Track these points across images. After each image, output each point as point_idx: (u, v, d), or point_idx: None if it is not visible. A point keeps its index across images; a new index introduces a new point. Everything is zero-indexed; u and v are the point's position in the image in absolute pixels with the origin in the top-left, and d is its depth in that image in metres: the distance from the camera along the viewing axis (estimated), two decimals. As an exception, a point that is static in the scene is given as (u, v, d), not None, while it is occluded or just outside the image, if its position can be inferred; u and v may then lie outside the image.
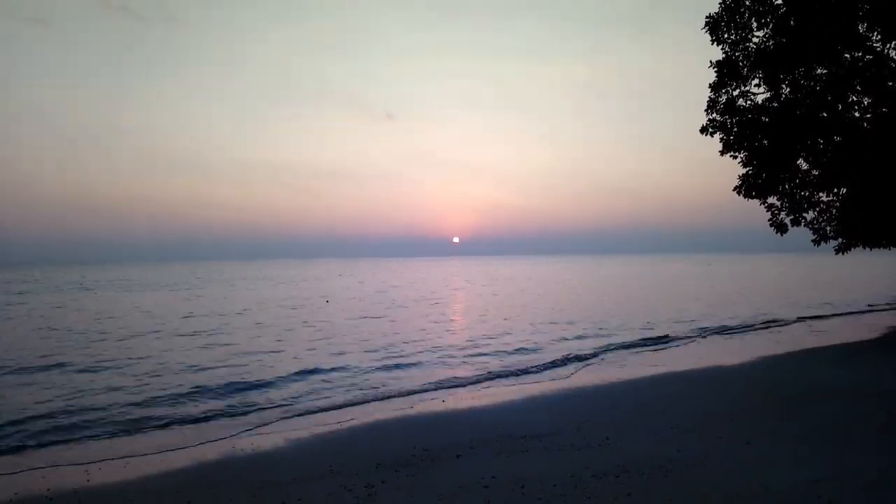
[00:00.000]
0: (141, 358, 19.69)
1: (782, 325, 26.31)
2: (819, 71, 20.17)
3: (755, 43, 20.81)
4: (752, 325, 26.33)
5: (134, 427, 11.76)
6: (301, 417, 12.45)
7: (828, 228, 23.10)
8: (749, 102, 21.49)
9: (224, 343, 23.03)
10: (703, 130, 22.19)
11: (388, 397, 13.92)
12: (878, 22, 18.50)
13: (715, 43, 21.37)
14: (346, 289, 61.96)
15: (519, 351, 20.22)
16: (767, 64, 20.17)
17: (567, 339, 22.73)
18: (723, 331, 24.98)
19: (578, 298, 44.73)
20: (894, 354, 18.31)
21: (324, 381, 15.80)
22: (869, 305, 34.28)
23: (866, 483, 7.14)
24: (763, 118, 21.07)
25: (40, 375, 16.97)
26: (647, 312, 32.75)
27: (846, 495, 6.75)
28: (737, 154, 22.05)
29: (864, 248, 24.84)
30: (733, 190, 22.60)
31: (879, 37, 18.96)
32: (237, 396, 14.13)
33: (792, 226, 22.72)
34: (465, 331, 26.41)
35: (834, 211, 22.80)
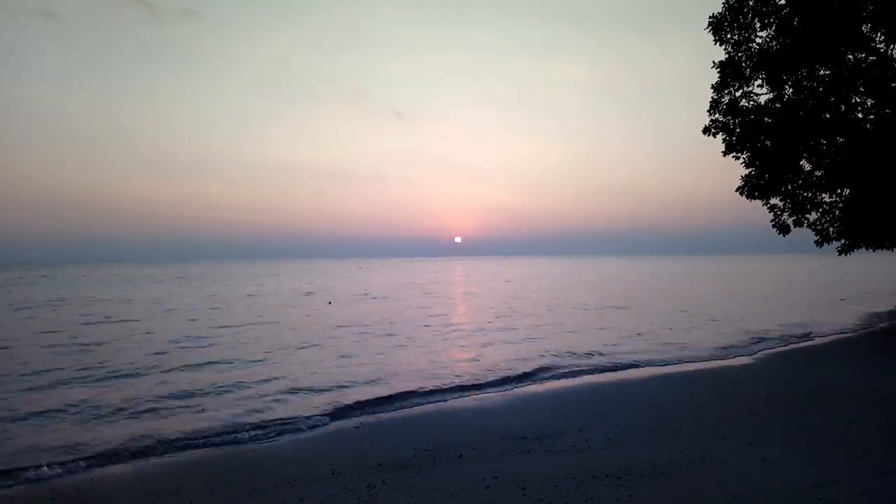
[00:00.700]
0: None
1: None
2: (822, 72, 20.15)
3: (758, 43, 20.80)
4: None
5: (106, 421, 11.75)
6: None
7: (830, 229, 23.05)
8: (752, 103, 21.47)
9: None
10: (706, 131, 22.17)
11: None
12: (882, 23, 18.47)
13: (718, 43, 21.35)
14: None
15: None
16: (770, 64, 20.15)
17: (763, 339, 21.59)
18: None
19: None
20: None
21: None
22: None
23: (867, 486, 7.12)
24: (766, 119, 21.05)
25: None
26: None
27: (847, 499, 6.74)
28: (739, 155, 22.04)
29: (867, 249, 24.79)
30: (736, 191, 22.59)
31: (883, 38, 18.94)
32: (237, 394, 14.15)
33: (794, 227, 22.70)
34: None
35: (837, 212, 22.76)
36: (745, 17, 20.62)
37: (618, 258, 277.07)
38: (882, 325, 25.77)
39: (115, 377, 16.31)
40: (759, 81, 21.09)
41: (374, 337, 23.97)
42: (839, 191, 22.60)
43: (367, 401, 13.40)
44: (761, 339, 22.31)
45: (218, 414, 12.38)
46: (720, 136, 21.94)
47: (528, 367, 17.20)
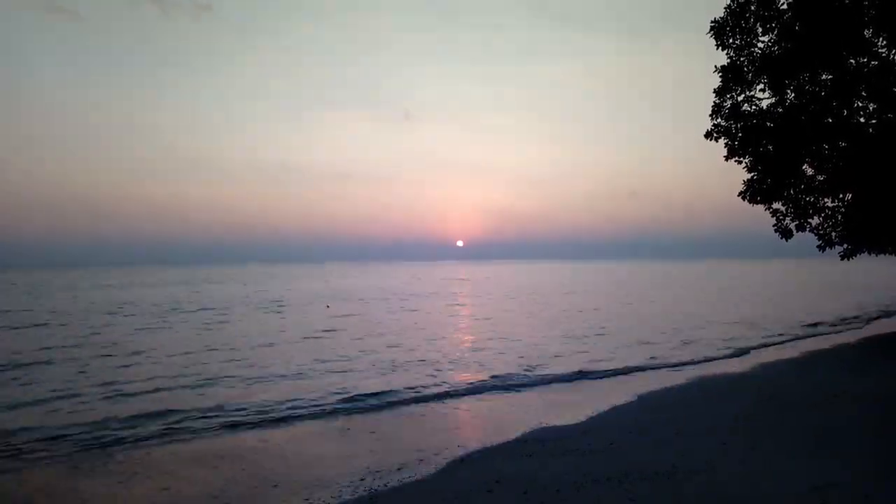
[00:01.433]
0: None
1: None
2: (824, 76, 20.13)
3: (760, 48, 20.79)
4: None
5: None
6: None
7: (833, 234, 22.99)
8: (754, 107, 21.46)
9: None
10: (708, 135, 22.15)
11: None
12: (885, 27, 18.47)
13: (720, 48, 21.35)
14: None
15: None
16: (772, 69, 20.14)
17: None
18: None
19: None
20: (899, 361, 18.24)
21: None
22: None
23: (868, 490, 7.12)
24: (768, 123, 21.03)
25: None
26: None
27: (848, 502, 6.74)
28: (741, 159, 22.01)
29: (870, 253, 24.74)
30: (738, 195, 22.55)
31: (885, 42, 18.92)
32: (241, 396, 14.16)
33: (797, 231, 22.64)
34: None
35: (839, 216, 22.71)
36: (747, 22, 20.60)
37: (618, 263, 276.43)
38: (882, 328, 25.74)
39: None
40: (761, 86, 21.07)
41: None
42: (841, 195, 22.55)
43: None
44: (764, 345, 22.32)
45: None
46: (722, 141, 21.91)
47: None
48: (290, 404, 13.35)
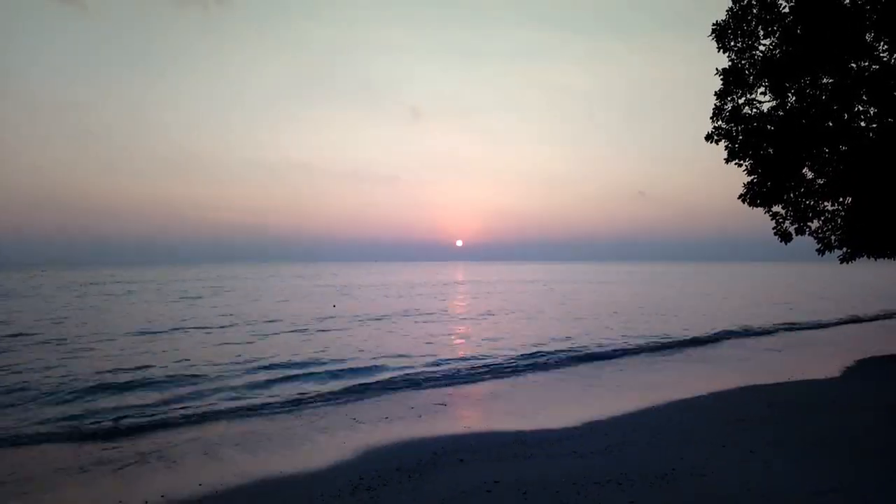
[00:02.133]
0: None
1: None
2: (825, 80, 20.14)
3: (762, 51, 20.80)
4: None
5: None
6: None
7: (832, 237, 22.99)
8: (755, 110, 21.46)
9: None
10: (709, 138, 22.15)
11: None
12: (886, 31, 18.48)
13: (721, 50, 21.36)
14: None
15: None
16: (774, 72, 20.14)
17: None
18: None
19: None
20: (898, 365, 18.25)
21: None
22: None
23: (869, 495, 7.11)
24: (768, 126, 21.03)
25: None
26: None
27: (849, 506, 6.73)
28: (742, 162, 22.00)
29: (869, 257, 24.74)
30: (738, 198, 22.55)
31: (886, 47, 18.93)
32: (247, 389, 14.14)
33: (796, 234, 22.64)
34: None
35: (839, 220, 22.71)
36: (748, 25, 20.61)
37: (616, 264, 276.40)
38: (886, 331, 25.75)
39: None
40: (762, 89, 21.08)
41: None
42: (841, 199, 22.56)
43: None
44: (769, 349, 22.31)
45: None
46: (723, 143, 21.92)
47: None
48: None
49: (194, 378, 16.19)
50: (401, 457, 9.24)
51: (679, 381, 15.68)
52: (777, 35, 20.28)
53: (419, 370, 17.45)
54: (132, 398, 14.00)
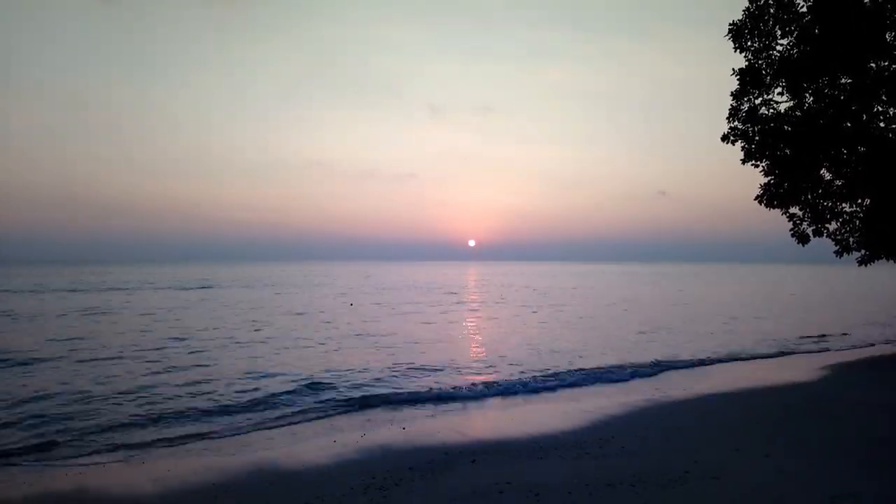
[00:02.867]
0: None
1: None
2: (844, 80, 19.92)
3: (779, 51, 20.61)
4: None
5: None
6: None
7: (851, 239, 22.72)
8: (771, 111, 21.27)
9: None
10: (725, 138, 21.99)
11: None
12: (906, 31, 18.25)
13: (738, 50, 21.19)
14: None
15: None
16: (791, 72, 19.95)
17: None
18: None
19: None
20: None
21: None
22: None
23: (887, 501, 7.02)
24: (785, 127, 20.84)
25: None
26: None
27: (866, 511, 6.65)
28: (758, 163, 21.81)
29: (888, 260, 24.41)
30: (755, 199, 22.36)
31: (906, 46, 18.69)
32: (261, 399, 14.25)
33: (814, 236, 22.40)
34: None
35: (857, 222, 22.43)
36: (765, 25, 20.44)
37: (626, 265, 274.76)
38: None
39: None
40: (779, 89, 20.89)
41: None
42: (859, 200, 22.28)
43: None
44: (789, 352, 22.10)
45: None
46: (739, 144, 21.75)
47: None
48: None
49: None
50: (413, 456, 9.26)
51: (692, 383, 15.55)
52: (794, 35, 20.09)
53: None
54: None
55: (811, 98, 20.50)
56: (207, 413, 12.68)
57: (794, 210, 22.40)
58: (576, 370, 17.67)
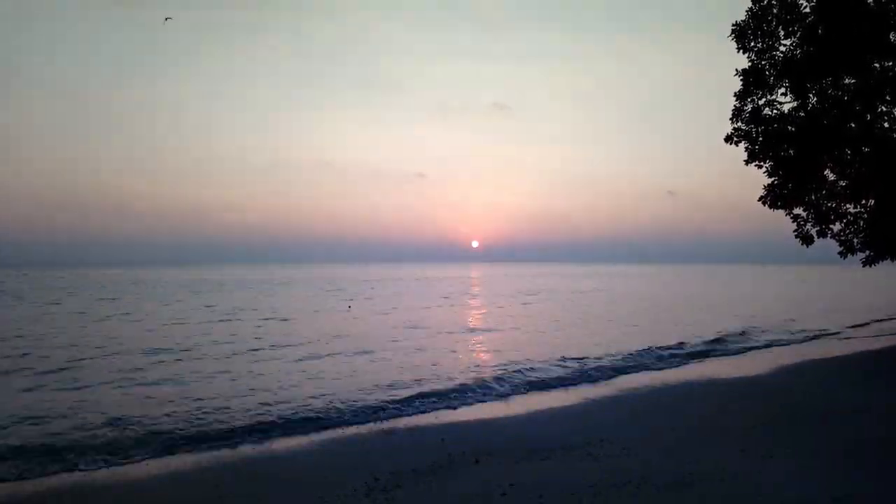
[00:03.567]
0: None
1: None
2: (847, 81, 19.89)
3: (782, 51, 20.59)
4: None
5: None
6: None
7: (855, 240, 22.67)
8: (775, 111, 21.24)
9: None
10: (728, 139, 21.97)
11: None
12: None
13: (741, 51, 21.18)
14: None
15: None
16: (794, 73, 19.93)
17: None
18: None
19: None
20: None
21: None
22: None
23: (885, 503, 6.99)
24: (789, 128, 20.81)
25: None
26: None
27: (872, 513, 6.62)
28: (762, 164, 21.79)
29: (893, 260, 24.34)
30: (758, 200, 22.32)
31: (911, 46, 18.66)
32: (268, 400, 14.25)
33: (818, 237, 22.36)
34: None
35: (861, 223, 22.38)
36: (768, 25, 20.42)
37: (625, 266, 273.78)
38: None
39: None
40: (782, 90, 20.88)
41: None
42: (864, 201, 22.24)
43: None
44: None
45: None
46: (743, 145, 21.73)
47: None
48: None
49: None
50: (416, 458, 9.25)
51: (697, 383, 15.51)
52: (798, 35, 20.08)
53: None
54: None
55: (815, 99, 20.47)
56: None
57: (797, 211, 22.37)
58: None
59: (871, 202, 22.02)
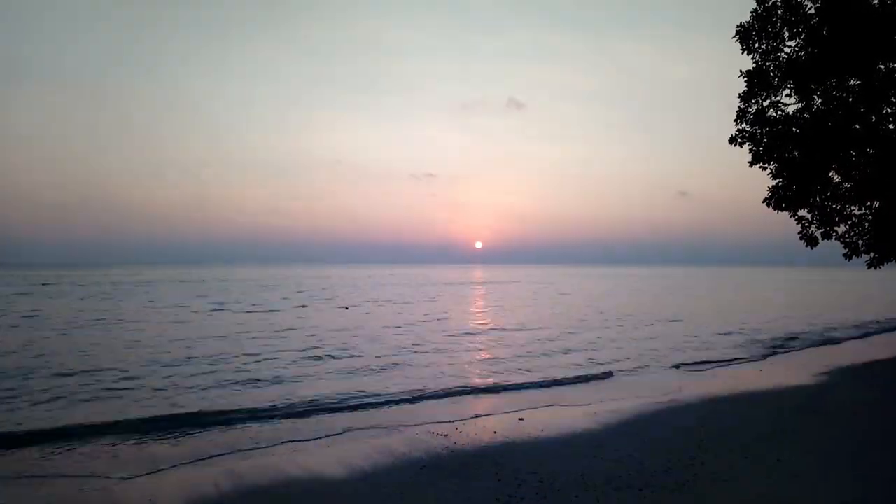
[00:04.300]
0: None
1: None
2: (852, 82, 19.83)
3: (786, 53, 20.56)
4: None
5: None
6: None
7: (860, 242, 22.59)
8: (779, 113, 21.20)
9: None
10: (733, 141, 21.94)
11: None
12: (916, 33, 18.17)
13: (745, 52, 21.15)
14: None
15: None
16: (799, 74, 19.89)
17: None
18: None
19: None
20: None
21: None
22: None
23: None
24: (794, 129, 20.76)
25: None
26: None
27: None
28: (766, 165, 21.73)
29: (897, 262, 24.25)
30: (763, 202, 22.27)
31: (916, 48, 18.60)
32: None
33: (823, 239, 22.30)
34: None
35: (866, 224, 22.31)
36: (773, 26, 20.38)
37: (626, 268, 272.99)
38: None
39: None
40: (787, 91, 20.83)
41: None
42: (869, 203, 22.15)
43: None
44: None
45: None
46: (747, 146, 21.68)
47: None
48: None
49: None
50: (419, 458, 9.25)
51: (701, 386, 15.48)
52: (803, 36, 20.03)
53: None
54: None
55: (819, 100, 20.42)
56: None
57: (802, 213, 22.30)
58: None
59: (877, 204, 21.95)
